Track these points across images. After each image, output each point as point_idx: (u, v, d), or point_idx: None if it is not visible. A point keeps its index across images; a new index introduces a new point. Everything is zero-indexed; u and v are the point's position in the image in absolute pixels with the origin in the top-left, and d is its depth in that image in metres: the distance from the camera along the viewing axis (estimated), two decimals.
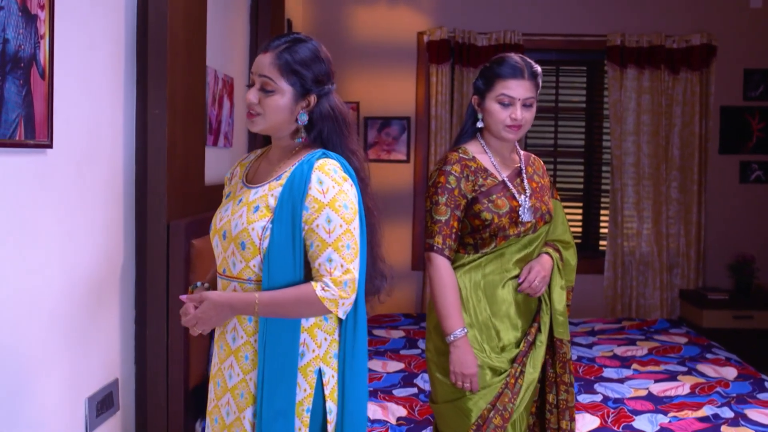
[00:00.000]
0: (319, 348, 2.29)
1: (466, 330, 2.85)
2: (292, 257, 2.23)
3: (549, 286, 3.00)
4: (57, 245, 2.62)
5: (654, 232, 6.90)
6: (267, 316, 2.22)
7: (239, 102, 4.81)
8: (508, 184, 2.95)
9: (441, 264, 2.88)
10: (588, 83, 7.22)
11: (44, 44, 2.43)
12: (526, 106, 2.90)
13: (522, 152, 3.11)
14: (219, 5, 4.40)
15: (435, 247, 2.89)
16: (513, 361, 2.92)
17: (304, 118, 2.32)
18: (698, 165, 6.90)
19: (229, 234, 2.30)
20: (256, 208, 2.27)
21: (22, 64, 2.30)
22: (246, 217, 2.27)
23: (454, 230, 2.90)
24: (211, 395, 2.40)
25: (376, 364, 4.71)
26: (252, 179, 2.42)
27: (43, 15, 2.41)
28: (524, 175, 3.01)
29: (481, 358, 2.88)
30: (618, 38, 6.79)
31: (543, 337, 2.99)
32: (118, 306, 3.11)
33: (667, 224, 6.95)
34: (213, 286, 2.48)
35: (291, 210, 2.23)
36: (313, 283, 2.22)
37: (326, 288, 2.21)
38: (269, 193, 2.29)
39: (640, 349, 5.16)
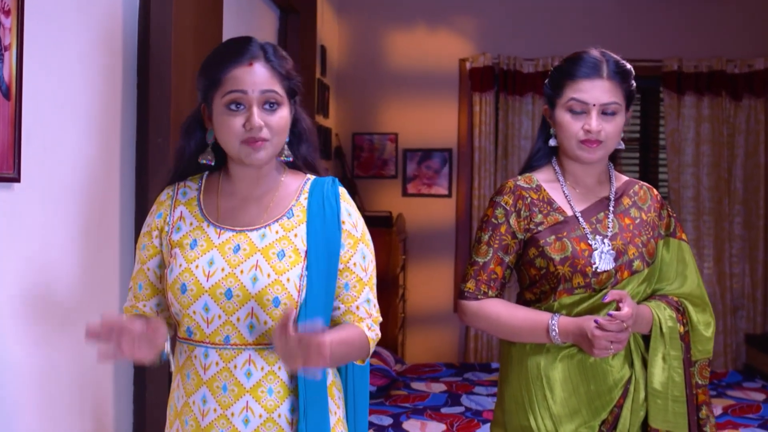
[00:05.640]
0: (339, 409, 2.06)
1: (557, 316, 2.27)
2: (325, 306, 1.97)
3: (645, 352, 2.32)
4: (28, 296, 2.21)
5: (716, 271, 6.54)
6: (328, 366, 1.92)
7: None
8: (581, 221, 2.34)
9: (473, 306, 2.33)
10: (642, 111, 6.91)
11: (9, 57, 2.03)
12: (607, 114, 2.29)
13: (624, 179, 2.49)
14: (240, 27, 4.03)
15: (466, 293, 2.35)
16: None
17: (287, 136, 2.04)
18: (764, 199, 6.56)
19: (243, 291, 1.91)
20: (281, 254, 1.94)
21: None
22: (271, 267, 1.92)
23: (494, 276, 2.34)
24: None
25: (414, 426, 4.30)
26: (227, 220, 2.01)
27: (8, 22, 2.01)
28: (611, 209, 2.39)
29: None
30: (675, 63, 6.52)
31: (626, 425, 2.30)
32: (112, 364, 2.70)
33: (730, 263, 6.58)
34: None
35: (326, 250, 1.97)
36: (357, 324, 2.01)
37: (371, 328, 2.03)
38: (289, 233, 1.96)
39: (714, 408, 4.64)
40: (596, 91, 2.27)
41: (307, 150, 2.09)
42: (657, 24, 6.56)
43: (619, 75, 2.30)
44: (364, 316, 2.02)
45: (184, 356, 1.98)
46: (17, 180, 2.08)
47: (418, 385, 5.16)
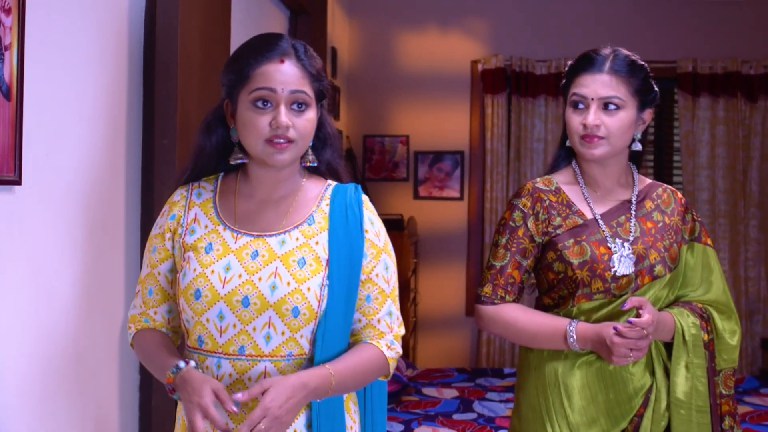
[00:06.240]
0: (355, 423, 1.97)
1: (575, 322, 2.20)
2: (344, 317, 1.89)
3: (668, 360, 2.26)
4: (30, 303, 2.16)
5: (732, 275, 6.42)
6: (334, 394, 1.84)
7: None
8: (601, 224, 2.28)
9: (490, 311, 2.28)
10: (657, 113, 6.68)
11: (10, 57, 1.98)
12: (608, 108, 2.23)
13: (647, 181, 2.43)
14: (249, 28, 3.98)
15: (482, 298, 2.30)
16: None
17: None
18: None
19: (261, 299, 1.82)
20: (302, 262, 1.85)
21: None
22: (291, 275, 1.84)
23: (512, 281, 2.29)
24: None
25: None
26: (244, 224, 1.92)
27: (9, 21, 1.96)
28: (632, 212, 2.32)
29: None
30: (689, 64, 6.44)
31: None
32: (117, 370, 2.64)
33: (746, 266, 6.48)
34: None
35: (348, 259, 1.88)
36: (375, 342, 1.92)
37: (391, 346, 1.94)
38: (310, 241, 1.87)
39: None
40: (595, 85, 2.23)
41: (332, 155, 2.01)
42: (671, 25, 6.48)
43: (625, 70, 2.24)
44: (385, 331, 1.93)
45: None
46: (18, 182, 2.03)
47: (429, 391, 5.09)
